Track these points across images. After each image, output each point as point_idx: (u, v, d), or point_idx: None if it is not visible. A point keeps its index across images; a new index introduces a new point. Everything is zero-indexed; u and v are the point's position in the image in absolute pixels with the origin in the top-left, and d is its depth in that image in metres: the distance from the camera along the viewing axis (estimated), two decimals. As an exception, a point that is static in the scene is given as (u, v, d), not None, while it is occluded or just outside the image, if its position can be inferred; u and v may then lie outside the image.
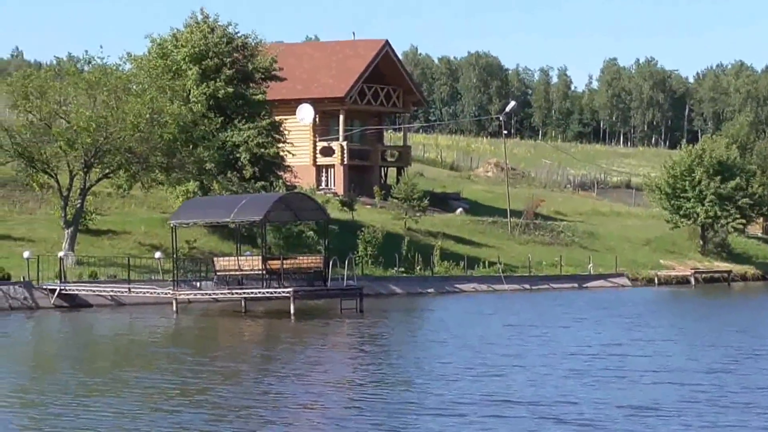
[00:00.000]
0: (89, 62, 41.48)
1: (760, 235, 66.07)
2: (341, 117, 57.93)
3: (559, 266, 51.29)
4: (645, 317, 33.47)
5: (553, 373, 19.97)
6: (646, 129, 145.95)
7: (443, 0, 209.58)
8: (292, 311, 32.75)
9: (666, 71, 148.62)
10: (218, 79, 45.51)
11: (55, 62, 52.47)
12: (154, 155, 39.85)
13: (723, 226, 59.51)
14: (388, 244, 46.16)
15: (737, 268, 57.93)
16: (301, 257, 36.86)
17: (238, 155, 44.99)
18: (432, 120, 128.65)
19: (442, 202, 60.46)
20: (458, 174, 75.15)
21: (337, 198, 53.28)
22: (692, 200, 58.63)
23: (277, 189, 44.49)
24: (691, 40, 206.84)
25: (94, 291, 35.84)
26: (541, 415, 15.63)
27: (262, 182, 44.73)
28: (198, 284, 36.72)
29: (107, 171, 40.52)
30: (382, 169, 60.81)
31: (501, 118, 70.64)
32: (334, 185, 57.07)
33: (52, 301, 35.13)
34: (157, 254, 38.87)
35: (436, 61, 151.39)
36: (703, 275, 55.44)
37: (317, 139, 57.78)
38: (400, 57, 67.57)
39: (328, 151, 57.60)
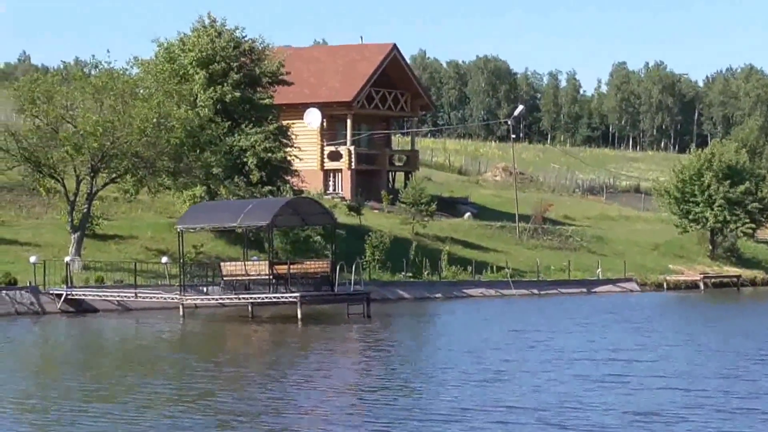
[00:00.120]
0: (96, 66, 41.56)
1: (769, 239, 65.83)
2: (349, 121, 57.83)
3: (567, 271, 51.16)
4: (652, 322, 33.36)
5: (559, 378, 19.90)
6: (655, 133, 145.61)
7: (452, 4, 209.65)
8: (299, 316, 32.68)
9: (675, 75, 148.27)
10: (225, 84, 45.55)
11: (62, 66, 52.29)
12: (161, 160, 39.81)
13: (732, 231, 59.30)
14: (395, 249, 46.09)
15: (746, 273, 57.78)
16: (308, 262, 36.83)
17: (245, 160, 44.96)
18: (440, 124, 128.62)
19: (450, 206, 60.34)
20: (466, 178, 75.11)
21: (345, 202, 53.22)
22: (701, 205, 58.44)
23: (284, 193, 44.53)
24: (700, 43, 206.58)
25: (100, 296, 35.81)
26: (546, 422, 15.57)
27: (269, 187, 44.74)
28: (205, 289, 36.77)
29: (114, 176, 40.48)
30: (390, 173, 60.72)
31: (509, 122, 70.52)
32: (342, 190, 56.98)
33: (58, 306, 35.07)
34: (164, 259, 38.82)
35: (445, 64, 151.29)
36: (712, 280, 55.23)
37: (325, 144, 57.70)
38: (408, 61, 67.55)
39: (335, 156, 57.52)
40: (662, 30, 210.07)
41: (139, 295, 35.45)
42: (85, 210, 39.77)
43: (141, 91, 41.46)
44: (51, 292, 35.43)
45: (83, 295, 35.58)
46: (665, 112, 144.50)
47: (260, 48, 47.51)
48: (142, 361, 23.45)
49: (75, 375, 20.89)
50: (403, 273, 45.32)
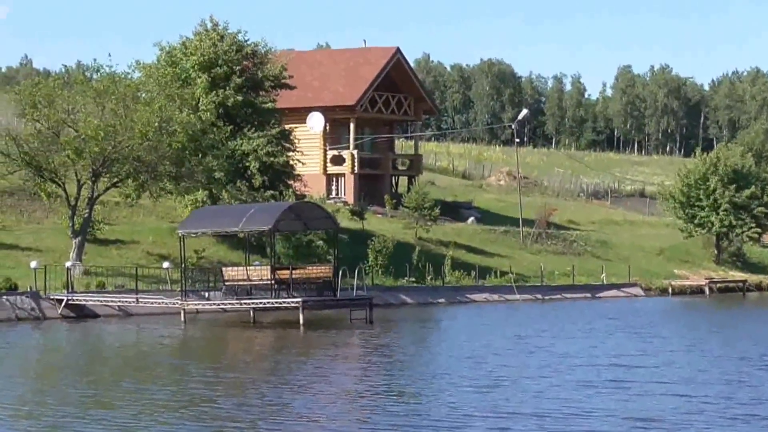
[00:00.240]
0: (98, 70, 41.52)
1: (775, 244, 65.50)
2: (352, 125, 57.72)
3: (571, 276, 50.96)
4: (656, 327, 33.22)
5: (561, 384, 19.82)
6: (660, 137, 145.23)
7: (456, 7, 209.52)
8: (301, 321, 32.57)
9: (681, 78, 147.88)
10: (227, 87, 45.43)
11: (63, 70, 52.29)
12: (163, 164, 39.68)
13: (738, 236, 59.10)
14: (398, 254, 45.94)
15: (752, 278, 57.52)
16: (310, 267, 36.66)
17: (247, 164, 44.84)
18: (444, 128, 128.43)
19: (454, 211, 60.18)
20: (470, 183, 74.98)
21: (348, 207, 53.08)
22: (707, 209, 58.23)
23: (286, 198, 44.33)
24: (706, 47, 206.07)
25: (101, 301, 35.69)
26: (547, 428, 15.52)
27: (272, 191, 44.59)
28: (206, 294, 36.48)
29: (115, 180, 40.36)
30: (393, 177, 60.58)
31: (514, 126, 70.35)
32: (345, 194, 56.84)
33: (59, 312, 34.98)
34: (166, 264, 38.71)
35: (449, 68, 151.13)
36: (718, 285, 55.03)
37: (327, 148, 57.58)
38: (412, 64, 67.50)
39: (338, 160, 57.39)
40: (668, 33, 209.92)
41: (140, 300, 35.36)
42: (86, 215, 39.67)
43: (143, 95, 41.38)
44: (52, 297, 35.32)
45: (84, 300, 35.49)
46: (671, 115, 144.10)
47: (263, 52, 47.41)
48: (141, 367, 23.35)
49: (73, 381, 20.81)
50: (406, 278, 45.22)
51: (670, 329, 32.89)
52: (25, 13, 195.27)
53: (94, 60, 47.18)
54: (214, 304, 35.68)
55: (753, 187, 58.78)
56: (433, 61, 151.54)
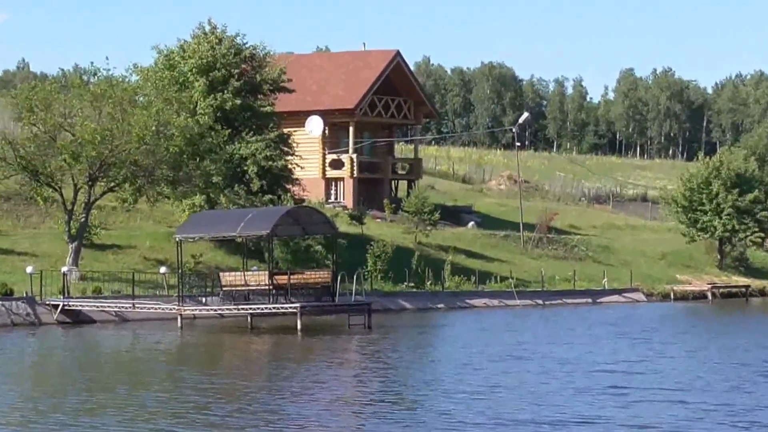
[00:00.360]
0: (95, 74, 41.39)
1: (778, 249, 65.22)
2: (351, 129, 57.55)
3: (572, 281, 50.84)
4: (657, 333, 33.16)
5: (560, 391, 19.76)
6: (663, 141, 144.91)
7: (456, 10, 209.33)
8: (299, 327, 32.48)
9: (684, 81, 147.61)
10: (226, 91, 45.35)
11: (60, 74, 52.16)
12: (160, 168, 39.59)
13: (741, 240, 58.90)
14: (397, 259, 45.79)
15: (756, 283, 57.49)
16: (308, 272, 36.62)
17: (245, 168, 44.74)
18: (444, 132, 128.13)
19: (454, 215, 60.02)
20: (470, 187, 74.88)
21: (347, 212, 52.95)
22: (709, 213, 58.02)
23: (285, 202, 44.26)
24: (709, 49, 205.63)
25: (98, 306, 35.62)
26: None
27: (270, 196, 44.46)
28: (203, 300, 36.53)
29: (112, 184, 40.25)
30: (393, 182, 60.46)
31: (514, 130, 70.11)
32: (344, 198, 56.70)
33: (55, 317, 34.86)
34: (163, 269, 38.63)
35: (449, 71, 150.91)
36: (721, 290, 54.90)
37: (326, 152, 57.44)
38: (412, 68, 67.27)
39: (337, 164, 57.19)
40: (670, 36, 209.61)
41: (137, 305, 35.26)
42: (82, 219, 39.56)
43: (140, 98, 41.34)
44: (48, 302, 35.21)
45: (80, 305, 35.38)
46: (673, 119, 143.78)
47: (261, 55, 47.36)
48: (136, 373, 23.28)
49: (67, 387, 20.72)
50: (406, 283, 45.12)
51: (672, 335, 32.82)
52: (23, 19, 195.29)
53: (92, 63, 47.23)
54: (212, 309, 35.64)
55: (756, 191, 58.57)
56: (433, 64, 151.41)
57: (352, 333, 32.72)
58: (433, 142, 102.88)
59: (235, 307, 34.52)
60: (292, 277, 34.75)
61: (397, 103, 59.44)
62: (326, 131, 56.45)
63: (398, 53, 59.10)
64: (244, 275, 35.25)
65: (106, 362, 25.87)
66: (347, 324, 34.09)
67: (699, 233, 58.53)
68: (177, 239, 35.82)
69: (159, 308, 35.04)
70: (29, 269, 35.66)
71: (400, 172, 60.60)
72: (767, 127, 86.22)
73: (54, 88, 40.29)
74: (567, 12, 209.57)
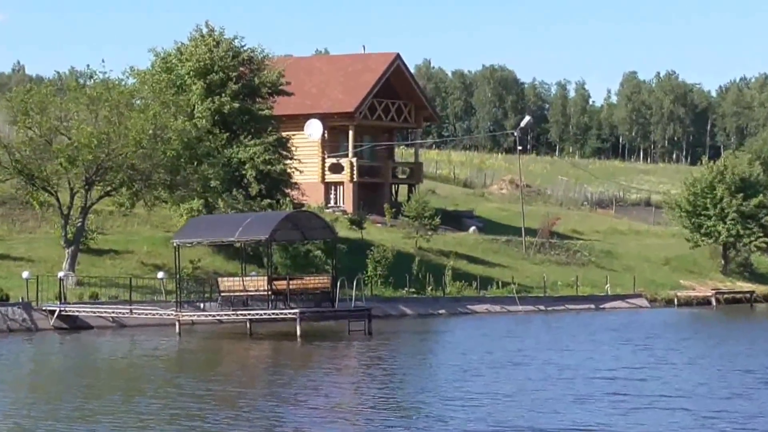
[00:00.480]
0: (91, 77, 41.46)
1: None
2: (351, 133, 57.26)
3: (575, 287, 50.59)
4: (660, 340, 33.01)
5: (560, 398, 19.66)
6: (666, 144, 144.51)
7: (457, 12, 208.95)
8: (298, 333, 32.39)
9: (687, 85, 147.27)
10: (224, 94, 45.16)
11: (56, 77, 51.95)
12: (158, 172, 39.46)
13: (745, 245, 58.57)
14: (398, 264, 45.60)
15: (760, 289, 57.25)
16: (308, 278, 36.47)
17: (243, 172, 44.55)
18: (445, 135, 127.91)
19: (455, 220, 59.74)
20: (472, 191, 74.71)
21: (346, 216, 52.70)
22: (713, 218, 57.69)
23: (284, 207, 44.01)
24: (713, 52, 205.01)
25: (95, 312, 35.51)
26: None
27: (269, 200, 44.27)
28: (202, 305, 36.36)
29: (109, 189, 40.10)
30: (393, 186, 60.22)
31: (516, 134, 69.67)
32: (343, 203, 56.45)
33: (51, 323, 34.78)
34: (160, 274, 38.49)
35: (450, 74, 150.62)
36: (725, 296, 54.65)
37: (326, 156, 57.17)
38: (413, 71, 67.00)
39: (337, 168, 56.89)
40: (674, 39, 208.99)
41: (134, 311, 35.21)
42: (79, 224, 39.40)
43: (137, 101, 41.23)
44: (44, 308, 35.10)
45: (77, 311, 35.28)
46: (677, 123, 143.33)
47: (259, 57, 47.21)
48: (132, 380, 23.20)
49: (62, 394, 20.67)
50: (406, 289, 44.92)
51: (675, 341, 32.68)
52: (18, 21, 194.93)
53: (88, 66, 47.03)
54: (210, 315, 35.50)
55: (761, 195, 58.29)
56: (433, 67, 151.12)
57: (352, 339, 32.63)
58: (433, 146, 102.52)
59: (233, 312, 34.44)
60: (291, 282, 34.63)
61: (398, 107, 59.13)
62: (326, 135, 56.18)
63: (398, 56, 58.84)
64: (243, 280, 35.18)
65: (103, 369, 25.76)
66: (347, 330, 34.04)
67: (703, 238, 58.19)
68: (175, 244, 35.74)
69: (157, 314, 34.96)
70: (25, 274, 35.56)
71: (400, 176, 60.31)
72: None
73: (50, 91, 40.24)
74: (569, 14, 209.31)
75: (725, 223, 57.43)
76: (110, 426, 16.50)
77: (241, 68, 46.08)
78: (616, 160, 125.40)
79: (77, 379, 23.05)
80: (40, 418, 17.37)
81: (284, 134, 47.45)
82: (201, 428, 16.40)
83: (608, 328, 37.50)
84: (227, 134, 44.20)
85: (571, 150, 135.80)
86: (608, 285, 51.81)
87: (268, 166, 44.63)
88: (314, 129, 54.71)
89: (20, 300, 34.86)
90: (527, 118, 74.94)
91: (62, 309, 34.89)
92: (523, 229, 56.68)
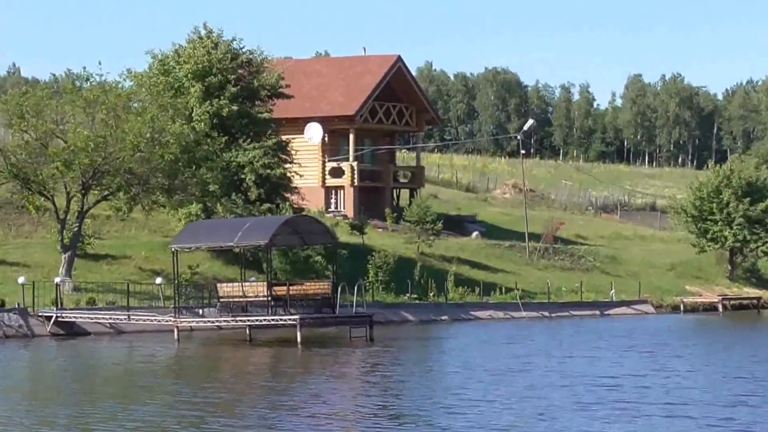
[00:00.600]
0: (87, 79, 41.16)
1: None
2: (351, 136, 57.04)
3: (579, 292, 50.29)
4: (665, 346, 32.79)
5: (565, 405, 19.60)
6: (672, 148, 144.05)
7: (459, 14, 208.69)
8: (298, 339, 32.29)
9: (693, 88, 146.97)
10: (222, 97, 45.02)
11: (52, 79, 51.71)
12: (155, 176, 39.29)
13: (752, 251, 58.25)
14: (399, 270, 45.36)
15: (767, 295, 56.37)
16: (308, 283, 36.50)
17: (242, 176, 44.40)
18: (447, 139, 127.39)
19: (457, 225, 59.52)
20: (474, 196, 74.62)
21: (347, 221, 52.55)
22: (720, 223, 57.30)
23: (283, 212, 43.88)
24: (719, 55, 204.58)
25: (92, 318, 35.41)
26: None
27: (268, 204, 44.10)
28: (200, 311, 36.19)
29: (106, 193, 39.92)
30: (394, 190, 60.01)
31: (519, 137, 69.16)
32: (344, 208, 56.27)
33: (48, 329, 34.68)
34: (158, 280, 38.34)
35: (452, 77, 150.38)
36: (732, 302, 54.33)
37: (326, 160, 56.96)
38: (414, 73, 66.67)
39: (337, 172, 56.62)
40: (679, 41, 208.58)
41: (132, 317, 35.05)
42: (76, 229, 39.24)
43: (134, 104, 41.12)
44: (40, 314, 35.04)
45: (74, 317, 35.17)
46: (683, 126, 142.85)
47: (258, 60, 47.03)
48: (129, 387, 23.17)
49: (57, 401, 20.70)
50: (408, 294, 44.69)
51: (680, 348, 32.51)
52: (14, 23, 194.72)
53: (84, 68, 46.39)
54: (209, 321, 35.47)
55: (768, 200, 57.68)
56: (435, 70, 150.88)
57: (353, 346, 32.56)
58: (435, 150, 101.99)
59: (232, 318, 34.36)
60: (291, 288, 34.61)
61: (399, 110, 58.80)
62: (326, 138, 55.90)
63: (399, 58, 58.57)
64: (242, 286, 35.09)
65: (100, 375, 25.61)
66: (348, 336, 34.01)
67: (709, 243, 57.83)
68: (173, 249, 35.69)
69: (155, 320, 34.87)
70: (21, 280, 35.51)
71: (401, 180, 59.99)
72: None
73: (45, 93, 40.15)
74: (572, 16, 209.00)
75: (732, 228, 57.03)
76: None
77: (240, 71, 46.00)
78: (621, 164, 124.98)
79: (73, 386, 22.99)
80: (34, 426, 17.30)
81: (284, 138, 47.38)
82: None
83: (613, 335, 37.35)
84: (226, 138, 44.13)
85: (575, 154, 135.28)
86: (613, 291, 51.50)
87: (268, 170, 44.49)
88: (314, 132, 54.34)
89: (16, 306, 34.76)
90: (530, 121, 74.63)
91: (59, 315, 34.81)
92: (526, 234, 56.43)
